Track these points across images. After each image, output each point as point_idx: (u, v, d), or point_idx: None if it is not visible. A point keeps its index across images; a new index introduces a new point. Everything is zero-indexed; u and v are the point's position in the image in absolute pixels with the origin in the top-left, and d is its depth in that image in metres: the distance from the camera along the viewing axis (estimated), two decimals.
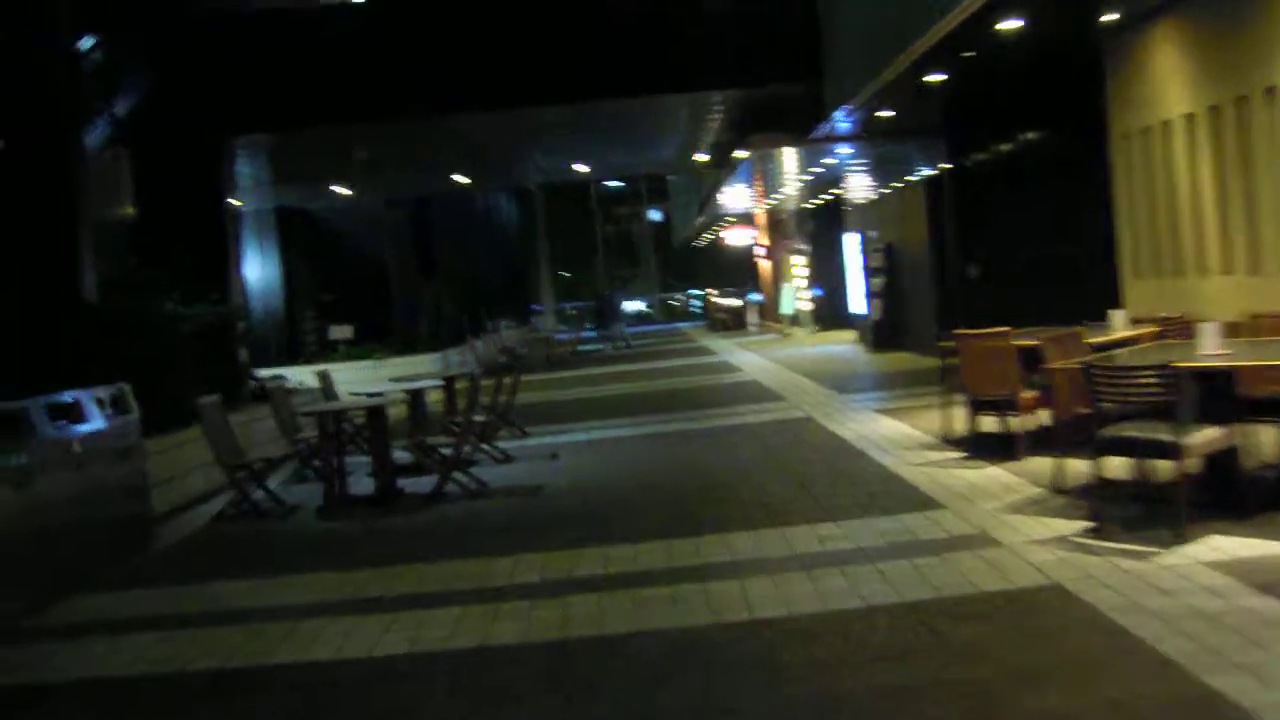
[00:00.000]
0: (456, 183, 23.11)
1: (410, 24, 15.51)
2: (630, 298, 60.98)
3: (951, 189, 16.42)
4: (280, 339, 25.40)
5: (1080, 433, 6.49)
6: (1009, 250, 14.47)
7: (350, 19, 15.33)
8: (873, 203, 21.86)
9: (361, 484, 9.54)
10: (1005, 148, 14.42)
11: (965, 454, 8.60)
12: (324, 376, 13.05)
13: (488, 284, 38.44)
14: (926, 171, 17.27)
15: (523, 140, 20.49)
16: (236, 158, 19.36)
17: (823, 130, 15.24)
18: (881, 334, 20.26)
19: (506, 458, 11.11)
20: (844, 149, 16.86)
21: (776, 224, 33.71)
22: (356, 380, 21.48)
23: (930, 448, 9.19)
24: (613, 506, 8.19)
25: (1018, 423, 8.34)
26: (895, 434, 10.13)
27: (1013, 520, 6.42)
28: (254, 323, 25.23)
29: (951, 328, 17.72)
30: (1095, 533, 5.95)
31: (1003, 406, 8.44)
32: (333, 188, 22.26)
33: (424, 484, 9.32)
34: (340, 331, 24.07)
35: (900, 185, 19.05)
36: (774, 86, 15.47)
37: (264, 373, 19.89)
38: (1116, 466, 6.59)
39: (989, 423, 8.75)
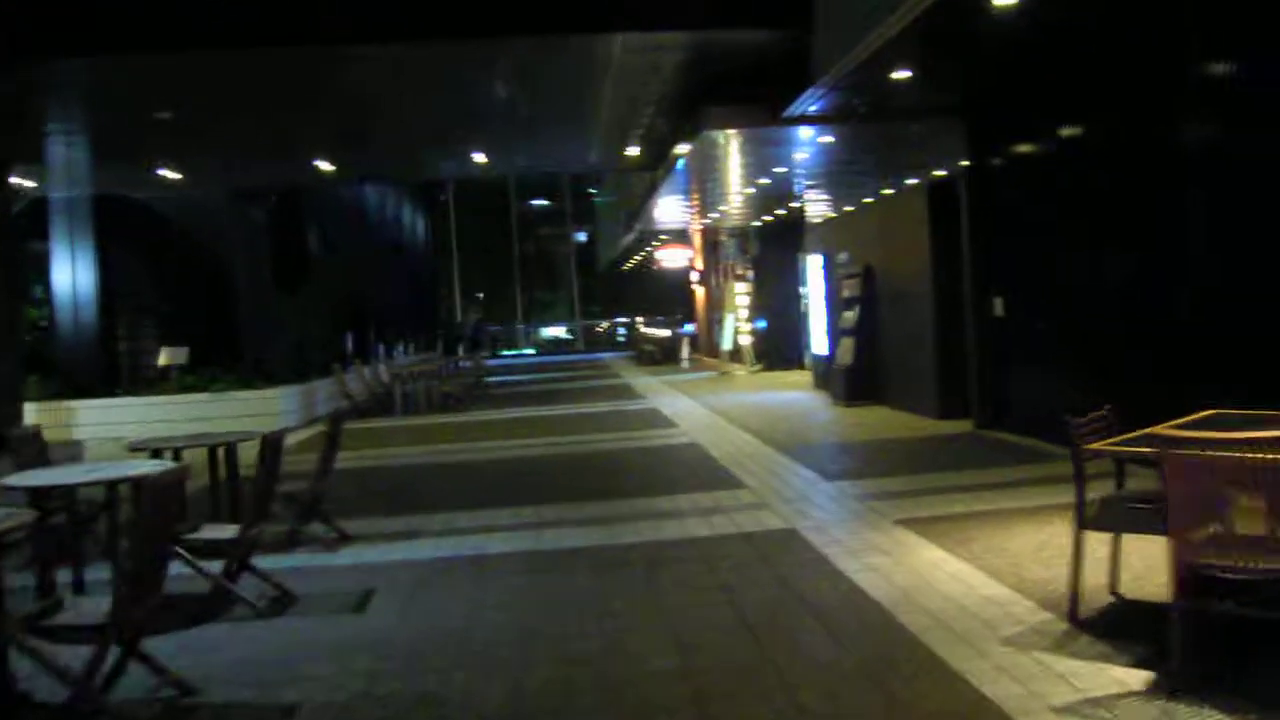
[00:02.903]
0: (320, 171, 18.23)
1: None
2: (549, 323, 56.49)
3: (972, 192, 12.13)
4: (98, 363, 20.23)
5: None
6: (1060, 278, 10.21)
7: None
8: (844, 217, 17.57)
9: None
10: (1062, 131, 10.15)
11: (1153, 675, 4.16)
12: (26, 440, 8.12)
13: (384, 302, 33.40)
14: (933, 171, 13.01)
15: (404, 112, 15.66)
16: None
17: (805, 103, 10.83)
18: (855, 383, 15.90)
19: (282, 597, 6.42)
20: (825, 137, 12.48)
21: (716, 245, 29.46)
22: (188, 421, 16.52)
23: (1057, 642, 4.73)
24: None
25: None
26: (964, 591, 5.65)
27: None
28: (61, 342, 20.12)
29: (955, 376, 13.46)
30: None
31: (1263, 588, 4.00)
32: (160, 171, 17.26)
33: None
34: (170, 355, 19.01)
35: (888, 192, 14.78)
36: (744, 31, 10.89)
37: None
38: None
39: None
